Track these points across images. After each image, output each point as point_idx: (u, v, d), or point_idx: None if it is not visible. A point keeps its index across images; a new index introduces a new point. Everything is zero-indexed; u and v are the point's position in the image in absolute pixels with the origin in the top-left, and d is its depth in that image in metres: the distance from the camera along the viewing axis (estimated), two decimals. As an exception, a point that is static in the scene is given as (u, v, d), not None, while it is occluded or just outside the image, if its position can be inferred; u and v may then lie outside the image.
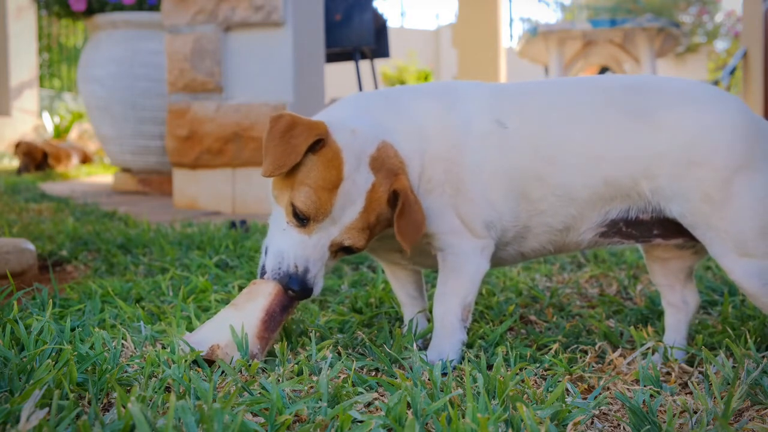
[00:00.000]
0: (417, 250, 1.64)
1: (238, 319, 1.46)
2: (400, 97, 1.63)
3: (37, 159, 7.93)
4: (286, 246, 1.46)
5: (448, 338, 1.55)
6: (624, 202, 1.52)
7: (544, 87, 1.64)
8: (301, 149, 1.41)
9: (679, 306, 1.68)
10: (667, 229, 1.54)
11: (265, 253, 1.51)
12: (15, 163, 9.25)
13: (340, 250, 1.50)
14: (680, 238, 1.55)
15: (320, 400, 1.20)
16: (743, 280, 1.44)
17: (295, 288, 1.45)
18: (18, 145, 8.03)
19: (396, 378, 1.35)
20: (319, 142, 1.44)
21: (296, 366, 1.39)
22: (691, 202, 1.45)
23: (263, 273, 1.49)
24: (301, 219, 1.44)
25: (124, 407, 1.09)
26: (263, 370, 1.40)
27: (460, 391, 1.24)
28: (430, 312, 1.80)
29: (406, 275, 1.80)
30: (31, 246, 2.31)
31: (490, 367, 1.48)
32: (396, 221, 1.45)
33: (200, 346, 1.43)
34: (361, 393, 1.25)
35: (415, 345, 1.54)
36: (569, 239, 1.59)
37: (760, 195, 1.42)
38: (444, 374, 1.43)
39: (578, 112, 1.54)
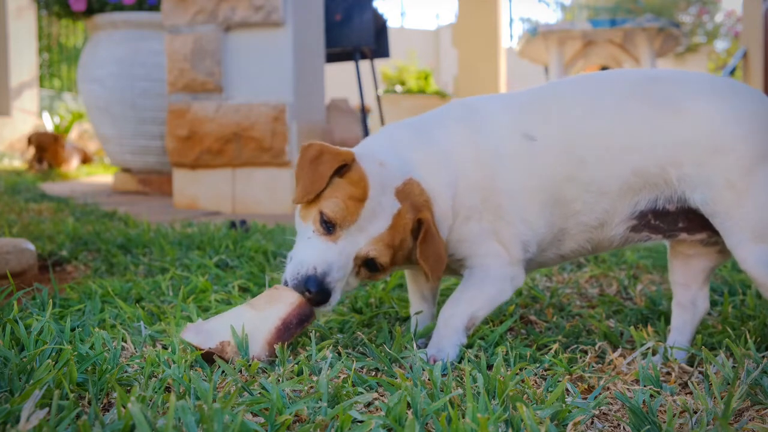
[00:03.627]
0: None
1: (254, 320, 1.45)
2: (428, 128, 1.65)
3: (48, 149, 7.86)
4: (308, 253, 1.48)
5: (449, 338, 1.56)
6: (652, 191, 1.54)
7: (564, 87, 1.65)
8: (326, 175, 1.47)
9: (687, 307, 1.69)
10: (691, 221, 1.56)
11: (288, 263, 1.53)
12: (16, 162, 9.24)
13: (363, 266, 1.51)
14: (704, 233, 1.57)
15: (320, 400, 1.20)
16: (756, 269, 1.46)
17: (312, 288, 1.44)
18: (30, 140, 7.97)
19: (396, 378, 1.35)
20: (344, 167, 1.49)
21: (296, 366, 1.39)
22: (714, 190, 1.47)
23: (285, 283, 1.50)
24: (328, 226, 1.47)
25: (124, 407, 1.09)
26: (263, 370, 1.40)
27: (460, 391, 1.24)
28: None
29: (426, 278, 1.80)
30: (31, 246, 2.31)
31: (490, 367, 1.48)
32: (419, 246, 1.50)
33: (210, 337, 1.43)
34: (361, 393, 1.25)
35: (415, 345, 1.54)
36: (604, 235, 1.62)
37: None
38: (444, 374, 1.43)
39: (602, 105, 1.56)
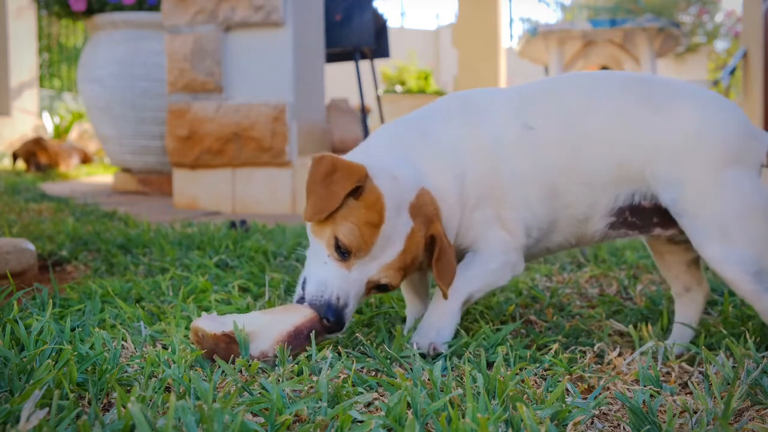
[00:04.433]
0: None
1: (267, 321, 1.46)
2: (429, 126, 1.65)
3: (36, 152, 7.89)
4: (328, 277, 1.48)
5: (446, 318, 1.58)
6: (630, 186, 1.59)
7: (559, 80, 1.71)
8: (340, 195, 1.43)
9: (681, 293, 1.79)
10: (664, 217, 1.61)
11: (303, 283, 1.52)
12: (18, 163, 9.24)
13: (373, 288, 1.52)
14: (675, 228, 1.61)
15: (320, 400, 1.20)
16: (725, 268, 1.51)
17: (331, 318, 1.45)
18: (14, 155, 8.02)
19: (396, 378, 1.35)
20: (359, 188, 1.46)
21: (296, 366, 1.39)
22: (683, 189, 1.52)
23: (300, 302, 1.50)
24: (343, 253, 1.46)
25: (124, 407, 1.09)
26: (263, 370, 1.40)
27: (460, 391, 1.24)
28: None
29: (418, 273, 1.81)
30: (31, 246, 2.31)
31: (490, 367, 1.48)
32: (435, 266, 1.51)
33: (224, 326, 1.43)
34: (361, 393, 1.25)
35: (415, 344, 1.54)
36: (587, 230, 1.66)
37: (745, 190, 1.52)
38: (444, 374, 1.43)
39: (597, 98, 1.61)
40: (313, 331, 1.46)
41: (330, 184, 1.44)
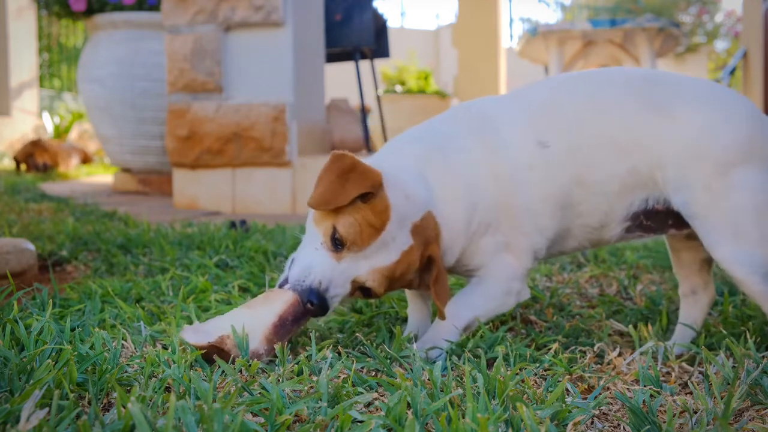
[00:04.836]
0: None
1: (251, 318, 1.46)
2: (444, 148, 1.63)
3: (35, 154, 7.89)
4: (315, 263, 1.49)
5: (445, 336, 1.58)
6: (643, 191, 1.59)
7: (567, 86, 1.67)
8: (351, 195, 1.44)
9: (687, 294, 1.79)
10: (678, 218, 1.61)
11: (290, 264, 1.53)
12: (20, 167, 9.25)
13: (358, 290, 1.52)
14: (690, 228, 1.61)
15: (320, 400, 1.20)
16: (735, 267, 1.51)
17: (314, 301, 1.45)
18: (16, 160, 8.03)
19: (396, 378, 1.35)
20: (371, 194, 1.47)
21: (296, 366, 1.39)
22: (693, 192, 1.52)
23: (284, 284, 1.51)
24: (337, 244, 1.47)
25: (124, 407, 1.09)
26: (263, 370, 1.40)
27: (460, 391, 1.24)
28: (433, 314, 1.81)
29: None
30: (31, 246, 2.31)
31: (490, 366, 1.48)
32: (432, 287, 1.53)
33: (209, 335, 1.43)
34: (361, 393, 1.25)
35: (414, 345, 1.54)
36: (603, 235, 1.67)
37: (757, 189, 1.51)
38: (444, 375, 1.43)
39: (607, 107, 1.60)
40: (299, 314, 1.46)
41: (345, 181, 1.46)
